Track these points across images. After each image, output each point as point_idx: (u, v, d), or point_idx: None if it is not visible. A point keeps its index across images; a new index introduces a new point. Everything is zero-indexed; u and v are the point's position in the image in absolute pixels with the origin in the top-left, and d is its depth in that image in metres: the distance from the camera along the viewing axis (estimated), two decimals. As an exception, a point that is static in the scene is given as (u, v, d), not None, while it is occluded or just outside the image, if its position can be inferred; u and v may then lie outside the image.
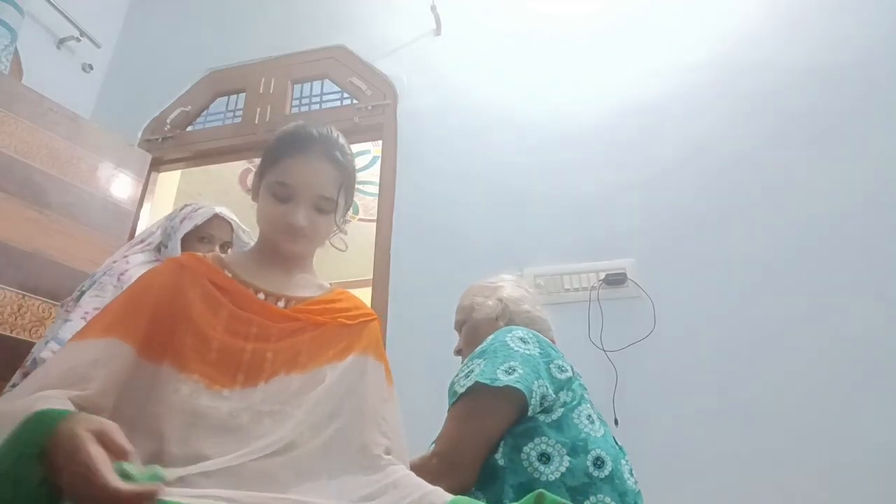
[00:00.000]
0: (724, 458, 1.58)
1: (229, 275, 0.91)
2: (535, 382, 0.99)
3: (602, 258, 1.91)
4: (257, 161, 1.03)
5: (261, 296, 0.91)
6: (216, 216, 1.66)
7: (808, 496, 1.51)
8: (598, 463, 0.97)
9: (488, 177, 2.15)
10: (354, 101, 2.50)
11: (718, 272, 1.81)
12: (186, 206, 1.69)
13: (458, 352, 1.32)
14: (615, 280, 1.84)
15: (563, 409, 1.02)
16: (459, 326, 1.32)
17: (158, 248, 1.64)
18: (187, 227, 1.61)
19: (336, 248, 1.06)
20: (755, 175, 1.91)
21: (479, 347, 1.10)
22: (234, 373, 0.80)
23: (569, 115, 2.17)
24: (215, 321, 0.83)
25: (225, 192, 3.82)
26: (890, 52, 1.96)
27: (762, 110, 2.00)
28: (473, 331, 1.25)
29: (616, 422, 1.64)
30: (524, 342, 1.07)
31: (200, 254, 0.96)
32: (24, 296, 1.91)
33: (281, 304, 0.91)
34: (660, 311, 1.78)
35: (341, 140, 0.97)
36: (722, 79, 2.08)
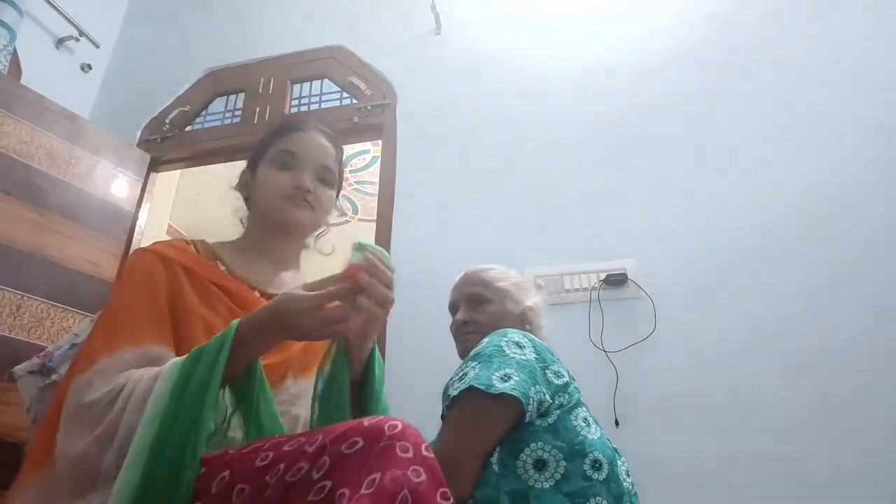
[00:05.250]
0: (724, 460, 1.57)
1: (223, 268, 0.91)
2: (532, 388, 0.97)
3: (602, 259, 1.90)
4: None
5: (256, 294, 0.90)
6: None
7: (809, 498, 1.50)
8: (596, 465, 0.96)
9: (488, 176, 2.14)
10: (354, 101, 2.49)
11: (719, 273, 1.80)
12: None
13: (465, 323, 1.24)
14: (616, 281, 1.84)
15: (558, 412, 1.00)
16: (478, 301, 1.25)
17: None
18: None
19: (320, 253, 1.05)
20: (756, 175, 1.91)
21: (473, 350, 1.07)
22: None
23: (568, 115, 2.17)
24: (218, 321, 0.82)
25: (224, 192, 3.81)
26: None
27: (763, 109, 2.00)
28: (499, 318, 1.21)
29: (616, 423, 1.63)
30: (520, 347, 1.05)
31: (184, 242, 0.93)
32: (22, 296, 1.90)
33: None
34: (660, 311, 1.77)
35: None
36: (723, 78, 2.08)
